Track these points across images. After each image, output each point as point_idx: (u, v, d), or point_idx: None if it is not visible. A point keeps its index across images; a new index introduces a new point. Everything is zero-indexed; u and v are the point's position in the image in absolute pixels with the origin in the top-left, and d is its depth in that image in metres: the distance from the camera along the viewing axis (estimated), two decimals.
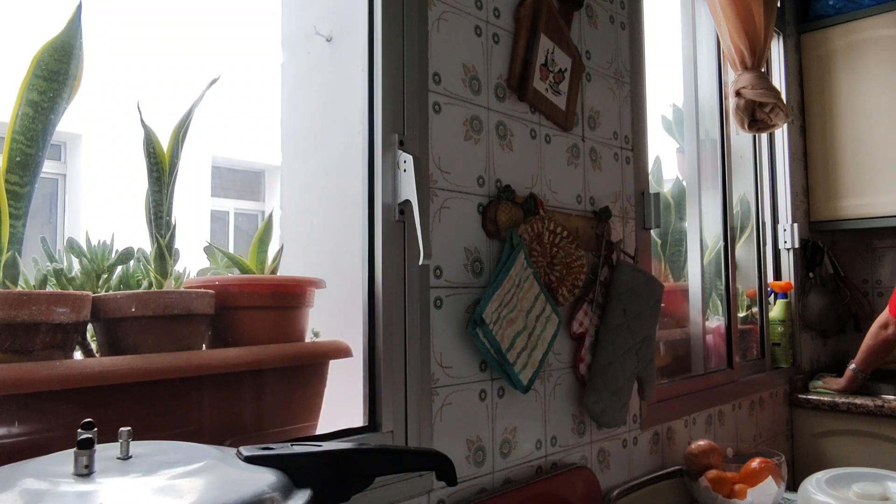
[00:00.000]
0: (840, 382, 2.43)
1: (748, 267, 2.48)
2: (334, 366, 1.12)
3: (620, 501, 1.51)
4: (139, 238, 0.99)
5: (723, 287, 2.23)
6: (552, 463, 1.41)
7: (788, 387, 2.50)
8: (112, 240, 0.97)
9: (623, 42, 1.71)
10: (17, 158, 0.84)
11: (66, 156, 3.28)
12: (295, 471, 0.60)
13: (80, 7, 0.89)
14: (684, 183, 2.23)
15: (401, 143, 1.13)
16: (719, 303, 2.24)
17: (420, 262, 1.09)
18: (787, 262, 2.59)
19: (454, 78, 1.24)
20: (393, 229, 1.13)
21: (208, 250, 1.15)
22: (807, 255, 2.67)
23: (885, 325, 2.24)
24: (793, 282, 2.56)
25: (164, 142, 0.98)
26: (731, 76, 2.17)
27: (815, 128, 2.72)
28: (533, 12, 1.39)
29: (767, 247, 2.54)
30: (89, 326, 0.93)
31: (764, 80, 2.10)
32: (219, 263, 1.15)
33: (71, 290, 0.90)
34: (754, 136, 2.52)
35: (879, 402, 2.29)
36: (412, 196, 1.10)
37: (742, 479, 1.61)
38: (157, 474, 0.53)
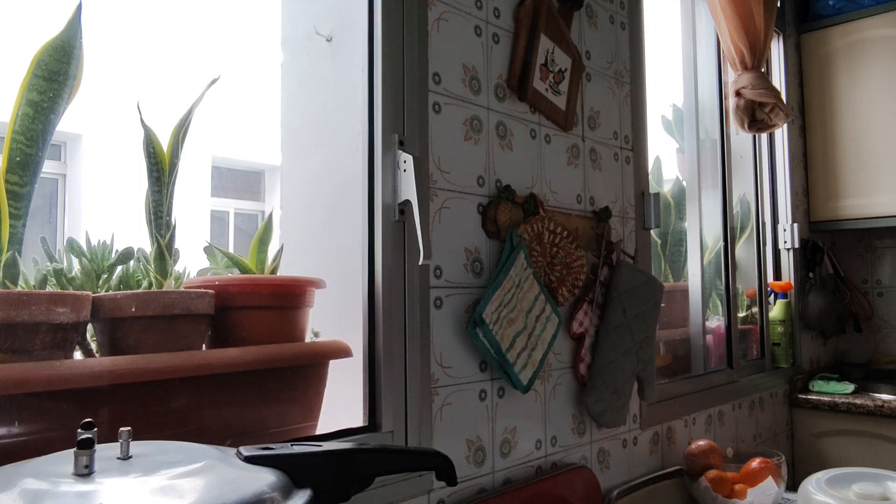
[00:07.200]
0: None
1: (748, 267, 2.48)
2: (334, 366, 1.12)
3: (620, 501, 1.51)
4: (139, 238, 0.99)
5: (723, 287, 2.23)
6: (552, 463, 1.41)
7: (788, 387, 2.50)
8: (112, 240, 0.97)
9: (623, 42, 1.71)
10: (17, 158, 0.84)
11: (66, 156, 3.28)
12: (295, 471, 0.60)
13: (80, 7, 0.89)
14: (684, 183, 2.23)
15: (401, 143, 1.13)
16: (719, 303, 2.24)
17: (420, 262, 1.09)
18: (787, 262, 2.59)
19: (454, 78, 1.24)
20: (393, 229, 1.13)
21: (208, 250, 1.15)
22: (807, 255, 2.67)
23: None
24: (793, 282, 2.56)
25: (164, 142, 0.98)
26: (731, 76, 2.17)
27: (815, 128, 2.72)
28: (533, 12, 1.39)
29: (767, 247, 2.54)
30: (89, 326, 0.93)
31: (764, 80, 2.10)
32: (219, 263, 1.15)
33: (71, 290, 0.90)
34: (754, 136, 2.52)
35: (879, 402, 2.29)
36: (412, 196, 1.10)
37: (742, 479, 1.61)
38: (157, 474, 0.53)
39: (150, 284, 0.98)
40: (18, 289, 0.85)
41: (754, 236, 2.49)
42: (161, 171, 0.97)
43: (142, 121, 0.95)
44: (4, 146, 0.84)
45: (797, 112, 2.73)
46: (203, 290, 0.99)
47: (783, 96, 2.25)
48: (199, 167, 4.02)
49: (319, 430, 1.09)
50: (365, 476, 0.67)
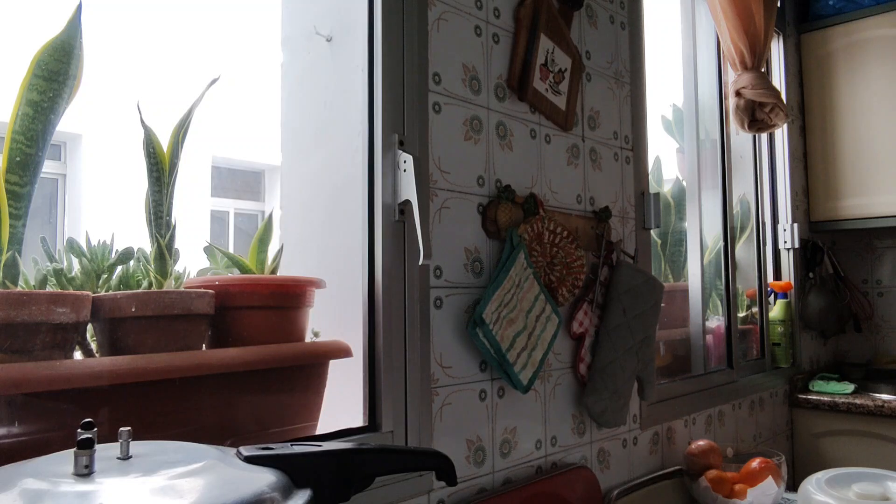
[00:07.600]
0: None
1: (748, 267, 2.48)
2: (334, 366, 1.12)
3: (620, 501, 1.51)
4: (139, 238, 0.99)
5: (723, 287, 2.23)
6: (552, 463, 1.41)
7: (788, 387, 2.50)
8: (112, 240, 0.97)
9: (623, 42, 1.71)
10: (17, 158, 0.84)
11: (66, 156, 3.28)
12: (295, 471, 0.60)
13: (80, 7, 0.89)
14: (684, 183, 2.23)
15: (401, 143, 1.13)
16: (719, 303, 2.24)
17: (420, 262, 1.09)
18: (787, 262, 2.59)
19: (454, 78, 1.24)
20: (393, 229, 1.13)
21: (208, 250, 1.15)
22: (807, 255, 2.67)
23: None
24: (793, 282, 2.56)
25: (164, 142, 0.98)
26: (731, 76, 2.17)
27: (815, 128, 2.72)
28: (533, 12, 1.39)
29: (767, 247, 2.54)
30: (89, 326, 0.93)
31: (764, 80, 2.10)
32: (219, 263, 1.15)
33: (71, 290, 0.90)
34: (754, 136, 2.52)
35: (879, 402, 2.29)
36: (412, 196, 1.10)
37: (742, 479, 1.61)
38: (157, 474, 0.53)
39: (150, 284, 0.98)
40: (18, 289, 0.85)
41: (754, 236, 2.49)
42: (161, 171, 0.97)
43: (142, 121, 0.95)
44: (4, 146, 0.84)
45: (797, 112, 2.73)
46: (203, 290, 0.99)
47: (783, 96, 2.25)
48: (199, 167, 4.02)
49: (319, 430, 1.09)
50: (365, 476, 0.67)
